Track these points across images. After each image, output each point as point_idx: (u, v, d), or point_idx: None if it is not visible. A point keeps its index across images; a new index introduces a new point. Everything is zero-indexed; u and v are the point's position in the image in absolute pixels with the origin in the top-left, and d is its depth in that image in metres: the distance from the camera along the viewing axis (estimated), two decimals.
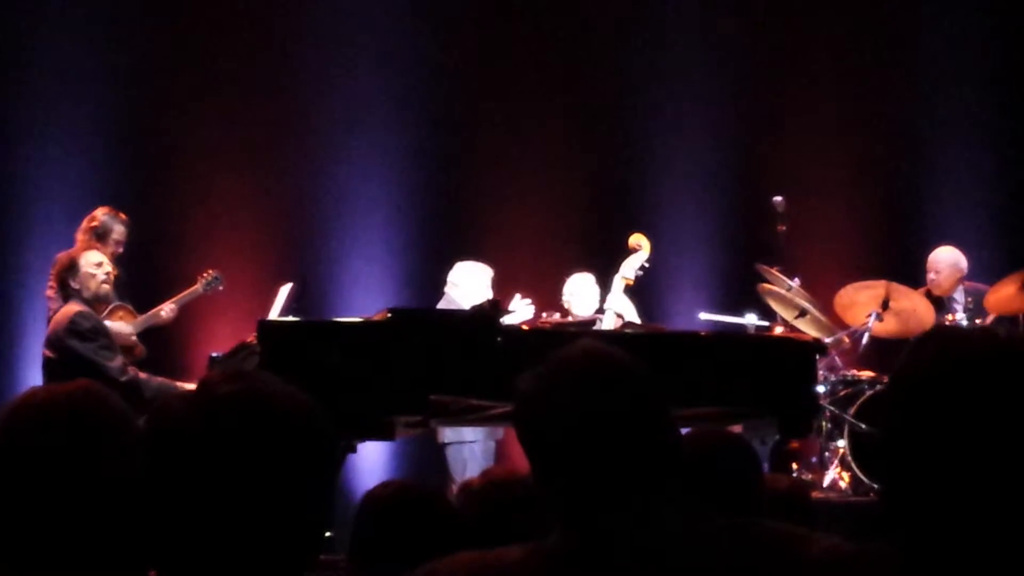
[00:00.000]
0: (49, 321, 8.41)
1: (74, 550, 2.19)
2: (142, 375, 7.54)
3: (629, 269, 8.79)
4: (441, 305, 9.13)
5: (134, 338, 8.26)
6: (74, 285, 7.60)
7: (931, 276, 9.83)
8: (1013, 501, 1.80)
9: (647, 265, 8.83)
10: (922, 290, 9.72)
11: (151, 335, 8.68)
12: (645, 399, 2.15)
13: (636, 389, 2.15)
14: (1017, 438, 1.81)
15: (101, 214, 8.72)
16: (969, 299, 9.68)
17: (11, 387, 9.76)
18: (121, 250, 8.70)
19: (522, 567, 2.09)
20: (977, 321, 9.26)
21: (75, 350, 7.36)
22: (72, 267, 7.64)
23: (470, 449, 9.03)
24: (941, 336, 1.95)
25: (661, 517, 2.07)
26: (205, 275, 8.91)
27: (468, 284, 9.16)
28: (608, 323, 8.76)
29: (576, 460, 2.10)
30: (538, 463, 2.16)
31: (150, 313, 8.54)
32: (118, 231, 8.71)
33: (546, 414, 2.14)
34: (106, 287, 7.72)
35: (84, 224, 8.69)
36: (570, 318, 9.23)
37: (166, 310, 8.62)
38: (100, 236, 8.55)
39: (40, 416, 2.29)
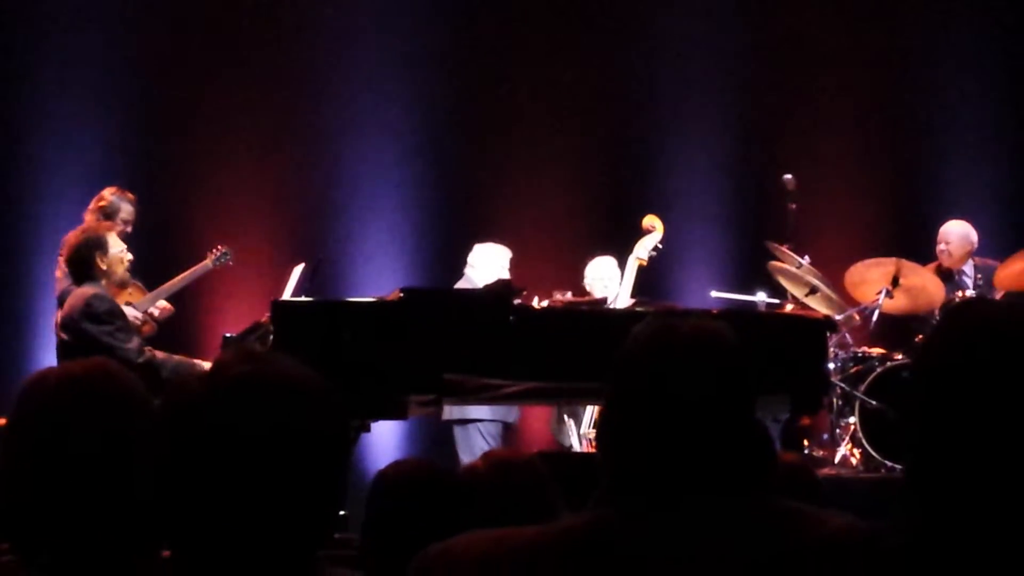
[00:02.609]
0: (59, 302, 8.39)
1: (88, 527, 2.22)
2: (159, 355, 7.42)
3: (643, 250, 8.81)
4: (460, 285, 9.16)
5: (142, 316, 8.18)
6: (101, 265, 7.37)
7: (941, 247, 9.84)
8: None
9: (660, 246, 8.85)
10: (932, 265, 9.74)
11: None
12: (743, 394, 2.13)
13: (739, 380, 2.12)
14: None
15: (109, 194, 8.61)
16: (979, 275, 9.69)
17: (25, 369, 9.77)
18: (129, 229, 8.64)
19: (538, 544, 2.07)
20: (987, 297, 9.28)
21: (90, 333, 7.21)
22: (102, 243, 7.42)
23: (475, 428, 9.05)
24: (971, 309, 1.93)
25: (703, 506, 2.06)
26: (215, 250, 8.89)
27: (486, 265, 9.20)
28: (621, 303, 8.79)
29: (659, 435, 2.07)
30: (615, 428, 2.13)
31: (156, 291, 8.45)
32: (126, 210, 8.59)
33: (645, 381, 2.10)
34: (127, 273, 7.68)
35: (92, 204, 8.59)
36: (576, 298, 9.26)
37: (159, 305, 8.52)
38: (108, 216, 8.43)
39: (56, 394, 2.31)
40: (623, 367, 2.14)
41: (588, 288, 9.43)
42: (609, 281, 9.37)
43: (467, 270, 9.33)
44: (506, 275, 8.98)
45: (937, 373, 1.88)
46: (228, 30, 10.90)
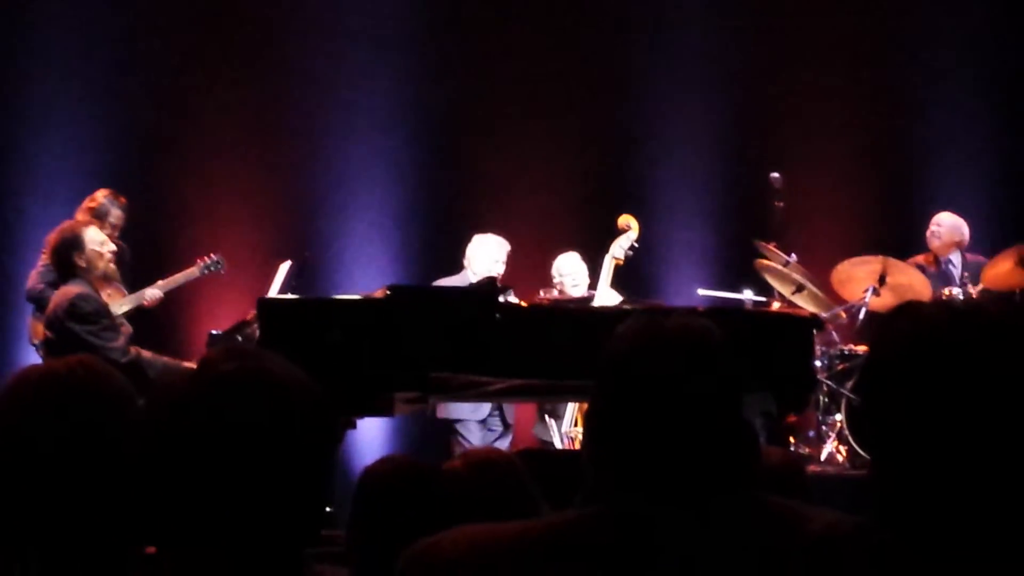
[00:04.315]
0: (28, 299, 8.44)
1: (72, 524, 2.21)
2: (146, 354, 7.42)
3: (619, 249, 8.80)
4: (457, 279, 9.13)
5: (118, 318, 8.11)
6: (80, 263, 7.38)
7: (932, 229, 10.03)
8: (990, 474, 1.82)
9: (636, 245, 8.85)
10: (920, 256, 9.82)
11: (151, 312, 8.65)
12: (729, 390, 2.13)
13: (725, 376, 2.13)
14: (987, 409, 1.82)
15: (101, 196, 8.69)
16: (966, 272, 9.72)
17: (8, 366, 9.75)
18: (117, 233, 8.64)
19: (527, 540, 2.08)
20: (972, 294, 9.29)
21: (75, 332, 7.18)
22: (77, 242, 7.42)
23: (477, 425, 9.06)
24: (907, 311, 1.95)
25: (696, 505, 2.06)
26: (206, 258, 8.81)
27: (480, 258, 9.15)
28: (599, 302, 8.78)
29: (645, 432, 2.07)
30: (603, 426, 2.12)
31: (136, 294, 8.41)
32: (115, 214, 8.67)
33: (631, 379, 2.10)
34: (112, 265, 7.65)
35: (84, 204, 8.66)
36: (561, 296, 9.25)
37: (148, 296, 8.48)
38: (98, 217, 8.46)
39: (39, 392, 2.29)
40: (609, 365, 2.14)
41: (555, 283, 9.39)
42: (576, 277, 9.34)
43: (465, 263, 9.27)
44: (501, 268, 8.99)
45: (876, 372, 1.91)
46: (213, 30, 10.89)
